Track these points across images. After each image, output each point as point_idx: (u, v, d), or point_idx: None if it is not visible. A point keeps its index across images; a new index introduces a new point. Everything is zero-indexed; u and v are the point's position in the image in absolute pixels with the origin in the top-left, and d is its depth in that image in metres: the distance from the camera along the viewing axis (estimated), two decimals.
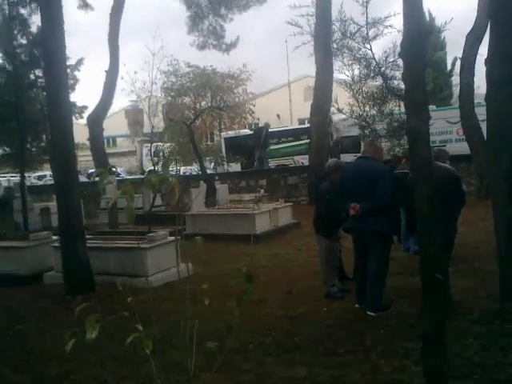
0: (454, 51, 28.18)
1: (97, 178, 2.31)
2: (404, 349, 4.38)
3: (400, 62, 7.00)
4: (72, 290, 6.83)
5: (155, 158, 13.36)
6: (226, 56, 24.68)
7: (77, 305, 2.38)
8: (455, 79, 26.98)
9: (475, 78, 13.79)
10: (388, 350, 4.43)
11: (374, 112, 10.09)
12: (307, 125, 19.67)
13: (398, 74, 8.66)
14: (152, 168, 13.96)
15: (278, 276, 7.50)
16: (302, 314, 5.63)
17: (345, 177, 5.79)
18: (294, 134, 22.54)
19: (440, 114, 17.31)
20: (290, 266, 8.16)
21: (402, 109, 8.06)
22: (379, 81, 9.51)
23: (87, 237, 7.81)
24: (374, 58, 9.16)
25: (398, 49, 4.64)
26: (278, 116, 36.61)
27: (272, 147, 21.96)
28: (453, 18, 9.30)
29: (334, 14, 10.89)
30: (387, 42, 9.56)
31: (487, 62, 5.24)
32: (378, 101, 9.82)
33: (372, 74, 9.36)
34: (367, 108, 10.17)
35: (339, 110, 10.83)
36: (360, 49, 9.44)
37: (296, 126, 29.50)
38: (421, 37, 3.00)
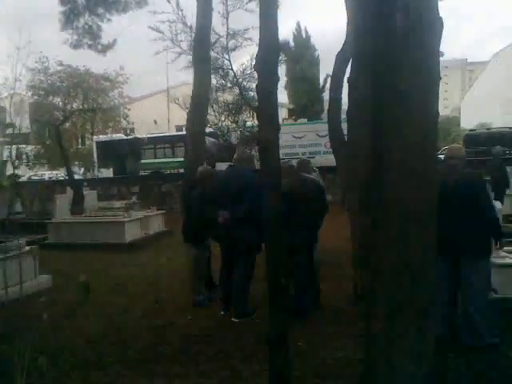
0: (327, 68, 29.92)
1: None
2: (265, 353, 4.45)
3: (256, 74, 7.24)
4: None
5: (17, 161, 12.32)
6: (103, 58, 23.63)
7: None
8: (327, 95, 28.53)
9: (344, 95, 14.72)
10: (250, 355, 4.49)
11: (229, 122, 10.31)
12: (184, 132, 19.50)
13: (254, 85, 8.97)
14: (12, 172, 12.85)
15: (146, 285, 7.30)
16: (166, 324, 5.50)
17: (216, 185, 5.81)
18: (171, 140, 22.26)
19: (310, 128, 18.23)
20: (158, 275, 7.97)
21: (256, 120, 8.32)
22: (236, 91, 9.72)
23: None
24: (232, 69, 9.35)
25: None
26: (155, 122, 35.98)
27: (145, 160, 21.27)
28: (311, 35, 9.88)
29: (194, 21, 10.81)
30: (246, 54, 9.84)
31: (349, 80, 5.60)
32: (233, 111, 10.04)
33: (229, 85, 9.54)
34: (223, 118, 10.36)
35: None
36: (218, 59, 9.61)
37: (173, 132, 29.19)
38: (274, 51, 3.11)
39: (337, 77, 15.37)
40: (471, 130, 25.42)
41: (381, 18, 2.26)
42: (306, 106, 31.26)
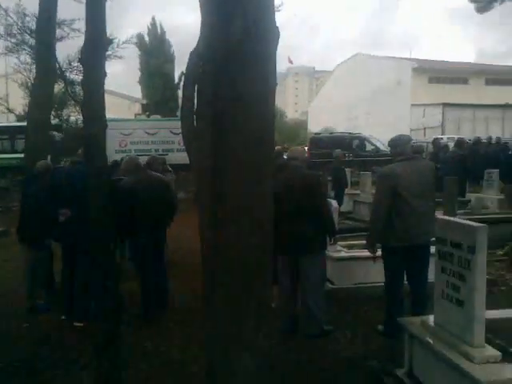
0: (183, 65, 29.56)
1: None
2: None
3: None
4: None
5: None
6: None
7: None
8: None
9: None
10: (92, 360, 4.26)
11: (52, 116, 9.72)
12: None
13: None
14: None
15: None
16: None
17: (56, 181, 5.43)
18: (9, 131, 20.22)
19: (164, 124, 17.97)
20: None
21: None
22: (61, 84, 9.14)
23: None
24: (57, 61, 8.81)
25: None
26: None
27: None
28: (138, 32, 9.68)
29: (11, 6, 9.92)
30: (73, 46, 9.25)
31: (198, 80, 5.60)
32: (56, 105, 9.50)
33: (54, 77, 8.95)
34: None
35: (9, 110, 10.15)
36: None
37: (13, 122, 26.59)
38: (101, 45, 3.00)
39: (190, 75, 15.53)
40: (316, 134, 27.29)
41: (219, 23, 2.29)
42: (161, 102, 30.75)
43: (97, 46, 2.96)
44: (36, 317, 5.48)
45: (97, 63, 2.98)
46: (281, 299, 4.89)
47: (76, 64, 8.29)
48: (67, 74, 8.61)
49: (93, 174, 3.05)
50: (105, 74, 3.09)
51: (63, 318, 5.35)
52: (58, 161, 13.15)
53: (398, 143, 4.69)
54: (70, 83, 8.61)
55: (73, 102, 8.78)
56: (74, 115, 9.43)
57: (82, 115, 3.25)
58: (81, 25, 8.89)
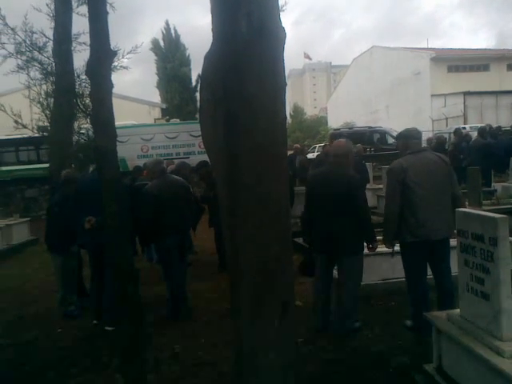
0: (200, 67, 29.36)
1: None
2: None
3: None
4: None
5: None
6: None
7: None
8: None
9: None
10: (119, 365, 4.35)
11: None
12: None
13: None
14: None
15: (9, 300, 6.76)
16: (32, 340, 5.15)
17: (79, 189, 5.55)
18: (34, 141, 20.48)
19: (184, 128, 18.13)
20: (24, 287, 7.43)
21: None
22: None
23: None
24: (74, 75, 9.04)
25: None
26: (17, 122, 33.04)
27: (2, 168, 19.08)
28: (143, 42, 9.83)
29: (17, 23, 10.09)
30: (81, 58, 9.41)
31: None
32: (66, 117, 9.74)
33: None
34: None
35: (24, 126, 10.38)
36: (51, 63, 9.23)
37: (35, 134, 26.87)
38: (106, 57, 3.05)
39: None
40: (335, 129, 27.13)
41: (226, 24, 2.33)
42: (180, 105, 30.95)
43: (102, 59, 3.01)
44: (69, 322, 5.62)
45: (103, 76, 3.03)
46: (315, 297, 4.87)
47: (84, 77, 8.48)
48: (76, 87, 8.82)
49: (105, 183, 3.11)
50: (112, 86, 3.15)
51: (95, 322, 5.47)
52: (83, 169, 13.34)
53: (405, 137, 4.66)
54: (79, 96, 8.82)
55: (82, 114, 8.92)
56: (85, 127, 9.63)
57: (93, 127, 3.31)
58: (86, 38, 9.06)
